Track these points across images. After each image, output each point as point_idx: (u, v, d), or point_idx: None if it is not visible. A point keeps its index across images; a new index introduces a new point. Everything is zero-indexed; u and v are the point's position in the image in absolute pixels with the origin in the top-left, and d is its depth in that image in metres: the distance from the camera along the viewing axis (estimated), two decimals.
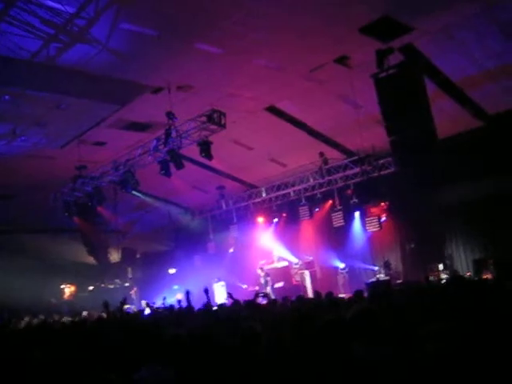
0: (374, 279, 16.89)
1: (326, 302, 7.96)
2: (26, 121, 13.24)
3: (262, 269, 19.41)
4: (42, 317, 16.62)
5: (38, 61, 10.64)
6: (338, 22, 10.48)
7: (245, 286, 19.89)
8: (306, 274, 19.31)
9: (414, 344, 3.48)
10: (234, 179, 19.95)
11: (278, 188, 19.66)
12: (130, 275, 25.55)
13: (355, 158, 16.92)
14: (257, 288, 15.23)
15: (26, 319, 16.75)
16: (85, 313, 17.21)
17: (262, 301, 9.80)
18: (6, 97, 11.80)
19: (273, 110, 14.77)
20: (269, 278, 18.82)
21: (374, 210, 17.21)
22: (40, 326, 11.51)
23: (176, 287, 21.90)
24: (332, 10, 10.02)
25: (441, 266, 16.03)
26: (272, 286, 18.56)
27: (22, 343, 7.37)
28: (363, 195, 17.20)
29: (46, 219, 20.83)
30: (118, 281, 25.63)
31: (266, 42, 10.95)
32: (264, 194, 20.17)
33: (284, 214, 20.32)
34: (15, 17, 9.18)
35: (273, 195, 19.98)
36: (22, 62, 10.54)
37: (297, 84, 13.17)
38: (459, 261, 16.37)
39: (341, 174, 17.61)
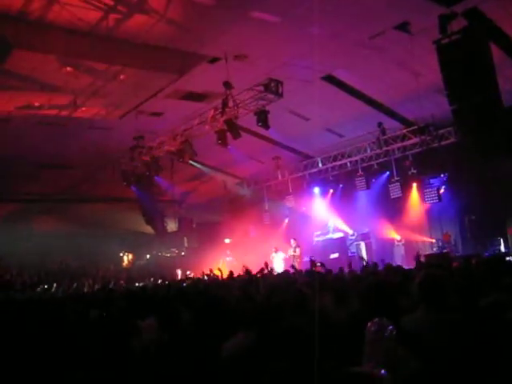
0: (431, 252, 16.61)
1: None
2: (86, 92, 13.48)
3: (295, 239, 19.37)
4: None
5: (97, 32, 10.79)
6: None
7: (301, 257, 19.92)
8: (362, 245, 19.14)
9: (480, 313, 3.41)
10: (290, 149, 19.85)
11: (335, 158, 19.47)
12: (186, 244, 25.98)
13: (414, 127, 16.53)
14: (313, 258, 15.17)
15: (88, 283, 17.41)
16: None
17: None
18: (68, 68, 12.04)
19: (330, 79, 14.53)
20: (298, 251, 18.84)
21: (432, 181, 16.82)
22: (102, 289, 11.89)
23: (230, 258, 22.19)
24: None
25: (502, 241, 15.58)
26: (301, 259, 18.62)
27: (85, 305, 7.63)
28: (422, 166, 16.84)
29: (105, 189, 21.35)
30: (174, 250, 26.14)
31: (323, 8, 10.67)
32: (320, 165, 20.03)
33: (340, 185, 20.15)
34: None
35: (329, 166, 19.82)
36: (81, 33, 10.71)
37: (354, 52, 12.89)
38: None
39: (399, 145, 17.27)
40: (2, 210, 21.81)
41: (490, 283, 4.61)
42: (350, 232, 19.91)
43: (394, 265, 11.13)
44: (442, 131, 15.95)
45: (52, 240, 21.43)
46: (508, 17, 11.69)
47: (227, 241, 23.90)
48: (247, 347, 3.68)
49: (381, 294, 3.64)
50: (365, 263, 11.89)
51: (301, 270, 9.22)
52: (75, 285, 17.75)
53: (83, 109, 14.42)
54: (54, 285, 16.68)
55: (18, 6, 9.56)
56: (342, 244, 19.81)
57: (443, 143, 16.07)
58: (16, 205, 22.01)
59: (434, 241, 17.54)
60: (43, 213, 22.61)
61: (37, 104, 13.84)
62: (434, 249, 17.04)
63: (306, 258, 18.35)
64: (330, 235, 20.40)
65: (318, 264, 10.22)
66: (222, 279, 12.73)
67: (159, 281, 17.86)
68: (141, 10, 10.14)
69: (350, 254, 19.25)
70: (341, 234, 20.11)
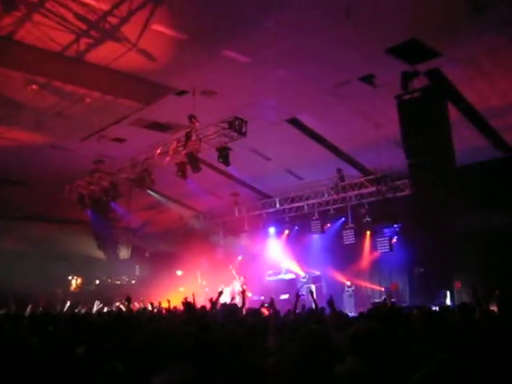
0: (379, 300, 16.82)
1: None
2: (50, 112, 13.39)
3: (244, 277, 19.42)
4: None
5: (67, 54, 10.80)
6: (367, 40, 10.51)
7: (249, 295, 19.86)
8: (312, 288, 19.21)
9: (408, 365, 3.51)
10: (249, 187, 20.00)
11: (292, 200, 19.70)
12: (137, 273, 25.63)
13: (372, 177, 16.93)
14: (262, 298, 15.17)
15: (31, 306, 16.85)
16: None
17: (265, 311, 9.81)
18: (33, 86, 11.97)
19: (294, 122, 14.82)
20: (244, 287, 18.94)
21: (385, 230, 17.16)
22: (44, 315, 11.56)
23: (182, 289, 21.95)
24: (362, 28, 10.07)
25: (448, 294, 15.91)
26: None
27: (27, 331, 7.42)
28: (376, 215, 17.22)
29: (59, 209, 20.98)
30: (125, 277, 25.72)
31: (293, 53, 11.00)
32: (277, 205, 20.22)
33: (296, 227, 20.35)
34: (50, 9, 9.33)
35: (286, 207, 20.03)
36: (51, 53, 10.70)
37: (319, 98, 13.21)
38: (467, 290, 16.20)
39: (356, 192, 17.64)
40: None
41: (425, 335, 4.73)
42: (302, 274, 20.02)
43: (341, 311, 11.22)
44: (398, 182, 16.40)
45: None
46: (467, 79, 12.24)
47: (179, 273, 23.69)
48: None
49: (321, 341, 3.70)
50: (314, 305, 11.93)
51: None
52: (13, 307, 17.19)
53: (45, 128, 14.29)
54: None
55: None
56: (292, 285, 19.87)
57: (398, 194, 16.52)
58: None
59: (382, 289, 17.79)
60: None
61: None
62: (383, 297, 17.27)
63: (255, 297, 18.36)
64: (282, 276, 20.47)
65: (266, 305, 10.22)
66: (168, 311, 12.56)
67: (105, 308, 17.49)
68: (113, 37, 10.20)
69: (301, 297, 19.25)
70: (292, 276, 20.20)
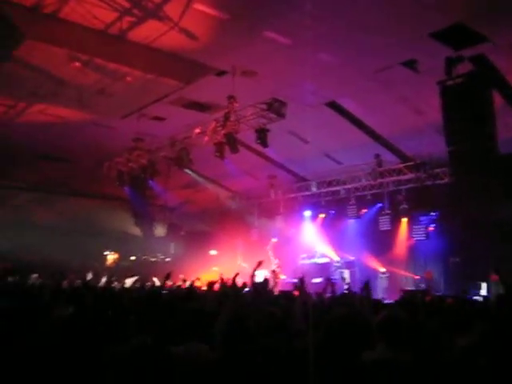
0: (412, 288, 16.69)
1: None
2: (92, 89, 13.58)
3: (278, 259, 19.44)
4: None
5: (110, 32, 10.91)
6: (410, 24, 10.32)
7: (283, 277, 19.96)
8: (346, 273, 19.21)
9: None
10: (286, 170, 19.96)
11: (329, 184, 19.60)
12: (172, 251, 25.95)
13: (411, 163, 16.70)
14: (295, 280, 15.19)
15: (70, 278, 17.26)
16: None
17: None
18: (77, 63, 12.14)
19: (333, 106, 14.69)
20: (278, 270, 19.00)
21: (422, 218, 16.95)
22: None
23: (215, 269, 22.16)
24: (405, 11, 9.89)
25: (484, 286, 15.65)
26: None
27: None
28: (414, 202, 17.00)
29: (98, 185, 21.37)
30: (159, 255, 26.09)
31: (333, 36, 10.90)
32: (314, 189, 20.15)
33: (331, 211, 20.26)
34: None
35: (323, 190, 19.96)
36: (94, 31, 10.83)
37: (360, 83, 13.05)
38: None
39: (393, 178, 17.44)
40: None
41: (459, 325, 4.68)
42: (336, 259, 19.98)
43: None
44: (437, 170, 16.13)
45: (37, 231, 21.34)
46: None
47: (213, 252, 23.91)
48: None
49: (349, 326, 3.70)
50: (346, 288, 11.96)
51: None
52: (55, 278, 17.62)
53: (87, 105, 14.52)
54: (33, 275, 16.54)
55: None
56: (326, 269, 19.85)
57: (437, 182, 16.25)
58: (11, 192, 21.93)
59: (416, 277, 17.62)
60: (33, 203, 22.56)
61: (41, 94, 13.92)
62: (419, 285, 17.10)
63: (289, 279, 18.42)
64: (316, 259, 20.47)
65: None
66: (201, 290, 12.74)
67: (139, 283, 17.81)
68: (156, 15, 10.27)
69: (333, 280, 19.24)
70: (326, 260, 20.18)
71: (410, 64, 11.97)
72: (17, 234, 20.81)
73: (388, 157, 17.20)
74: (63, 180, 21.04)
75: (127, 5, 9.99)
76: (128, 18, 10.43)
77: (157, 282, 16.22)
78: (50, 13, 10.10)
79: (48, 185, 21.49)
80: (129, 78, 12.97)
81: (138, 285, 14.87)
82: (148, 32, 10.85)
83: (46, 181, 21.07)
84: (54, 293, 9.43)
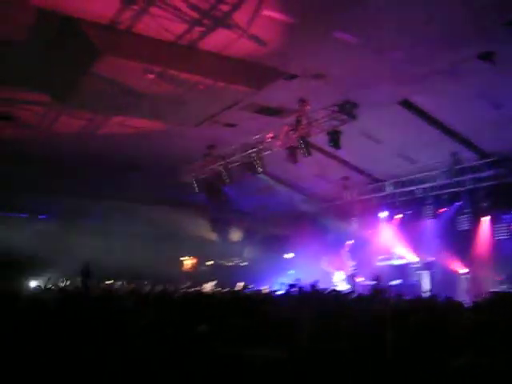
0: (497, 289, 16.07)
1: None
2: (166, 99, 13.93)
3: (354, 261, 19.19)
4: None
5: (181, 43, 11.18)
6: (486, 15, 9.97)
7: (361, 279, 19.74)
8: (425, 274, 18.76)
9: None
10: (360, 171, 19.74)
11: (404, 184, 19.23)
12: (248, 255, 26.20)
13: (490, 159, 16.13)
14: (374, 283, 15.06)
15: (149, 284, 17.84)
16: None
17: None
18: (150, 75, 12.49)
19: (406, 104, 14.40)
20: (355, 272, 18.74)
21: (504, 216, 16.33)
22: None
23: (292, 272, 22.20)
24: (479, 2, 9.58)
25: None
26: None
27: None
28: (494, 200, 16.39)
29: (175, 193, 21.86)
30: (235, 259, 26.40)
31: (405, 33, 10.69)
32: (388, 189, 19.81)
33: (407, 212, 19.86)
34: (165, 1, 9.70)
35: (397, 191, 19.60)
36: (166, 43, 11.13)
37: (434, 78, 12.70)
38: None
39: (472, 176, 16.88)
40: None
41: None
42: (415, 260, 19.56)
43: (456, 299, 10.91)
44: None
45: (115, 237, 22.05)
46: None
47: (288, 255, 23.97)
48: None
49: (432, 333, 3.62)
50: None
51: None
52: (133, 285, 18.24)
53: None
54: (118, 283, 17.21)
55: (110, 15, 10.07)
56: (404, 271, 19.49)
57: None
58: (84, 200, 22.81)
59: (501, 278, 16.95)
60: (115, 211, 23.33)
61: (118, 106, 14.42)
62: (502, 286, 16.46)
63: (367, 281, 18.20)
64: (394, 261, 20.12)
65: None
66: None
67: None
68: (225, 24, 10.43)
69: (411, 282, 18.91)
70: (404, 261, 19.80)
71: (487, 56, 11.55)
72: (101, 242, 21.60)
73: (466, 154, 16.67)
74: (141, 189, 21.66)
75: (196, 16, 10.20)
76: (198, 29, 10.64)
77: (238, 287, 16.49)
78: (125, 29, 10.47)
79: (127, 194, 22.19)
80: (201, 87, 13.21)
81: (217, 289, 15.16)
82: (218, 41, 11.03)
83: (124, 190, 21.76)
84: (139, 298, 9.75)
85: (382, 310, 6.02)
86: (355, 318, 4.45)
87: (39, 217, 23.47)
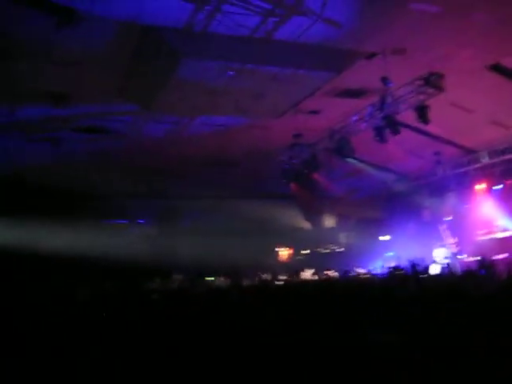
0: None
1: None
2: (247, 93, 14.04)
3: (456, 237, 18.36)
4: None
5: (256, 36, 11.20)
6: None
7: (463, 257, 19.07)
8: None
9: None
10: (452, 144, 18.99)
11: (502, 152, 18.30)
12: (343, 240, 25.98)
13: None
14: (479, 258, 14.50)
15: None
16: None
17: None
18: (230, 72, 12.62)
19: (497, 68, 13.67)
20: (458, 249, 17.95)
21: None
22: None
23: (390, 254, 21.80)
24: None
25: None
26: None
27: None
28: None
29: (265, 185, 22.04)
30: (331, 245, 26.26)
31: None
32: (485, 159, 18.95)
33: (508, 181, 18.92)
34: None
35: (495, 160, 18.68)
36: (241, 38, 11.19)
37: None
38: None
39: None
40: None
41: None
42: None
43: None
44: None
45: (211, 235, 22.49)
46: None
47: (384, 238, 23.56)
48: None
49: None
50: None
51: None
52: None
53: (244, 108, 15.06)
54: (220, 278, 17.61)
55: (185, 18, 10.26)
56: (509, 244, 18.60)
57: None
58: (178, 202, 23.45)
59: None
60: (208, 210, 23.83)
61: (200, 107, 14.71)
62: None
63: (470, 258, 17.56)
64: (497, 234, 19.26)
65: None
66: None
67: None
68: (298, 11, 10.34)
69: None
70: (508, 233, 18.90)
71: None
72: (195, 240, 22.13)
73: None
74: (231, 183, 22.01)
75: (269, 7, 10.18)
76: (272, 19, 10.63)
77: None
78: (200, 30, 10.63)
79: (217, 189, 22.61)
80: (281, 77, 13.20)
81: (315, 276, 15.15)
82: (293, 28, 10.95)
83: (214, 186, 22.18)
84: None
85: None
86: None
87: (138, 221, 24.35)
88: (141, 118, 15.40)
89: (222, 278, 17.29)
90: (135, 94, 13.49)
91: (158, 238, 22.42)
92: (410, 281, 8.82)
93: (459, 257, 18.57)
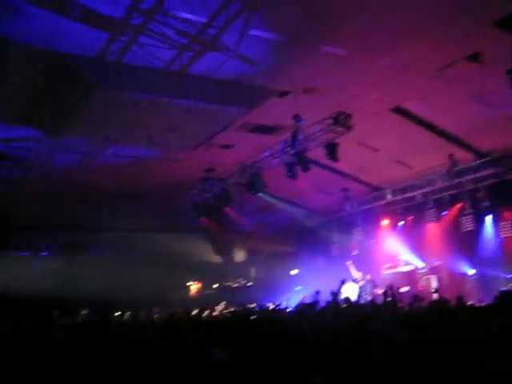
0: (507, 288, 15.98)
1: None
2: (160, 126, 13.97)
3: (363, 272, 18.87)
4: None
5: (171, 69, 11.25)
6: (470, 15, 10.03)
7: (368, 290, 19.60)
8: (433, 279, 18.70)
9: None
10: (359, 181, 19.75)
11: (404, 190, 19.22)
12: (253, 275, 26.10)
13: (487, 158, 16.17)
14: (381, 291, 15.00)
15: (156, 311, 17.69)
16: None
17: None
18: (143, 104, 12.53)
19: (399, 111, 14.46)
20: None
21: (507, 214, 16.32)
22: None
23: (298, 288, 22.08)
24: (462, 3, 9.66)
25: None
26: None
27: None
28: (496, 198, 16.40)
29: (177, 219, 21.84)
30: (241, 280, 26.28)
31: (391, 42, 10.77)
32: (389, 196, 19.81)
33: (410, 217, 19.84)
34: (153, 29, 9.78)
35: (398, 197, 19.58)
36: (156, 71, 11.21)
37: (424, 84, 12.77)
38: None
39: (471, 176, 16.89)
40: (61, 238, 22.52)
41: None
42: (421, 265, 19.49)
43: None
44: None
45: (120, 268, 21.92)
46: None
47: (294, 272, 23.88)
48: None
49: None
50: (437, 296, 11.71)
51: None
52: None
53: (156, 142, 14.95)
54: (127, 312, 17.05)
55: (99, 47, 10.15)
56: (412, 277, 19.41)
57: None
58: (85, 233, 22.75)
59: (510, 276, 16.88)
60: (111, 241, 23.23)
61: (113, 138, 14.46)
62: (510, 285, 16.39)
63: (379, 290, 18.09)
64: (400, 268, 20.05)
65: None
66: None
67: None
68: (213, 47, 10.51)
69: (419, 288, 18.84)
70: (410, 267, 19.73)
71: (474, 57, 11.64)
72: (103, 274, 21.43)
73: (462, 155, 16.71)
74: (141, 217, 21.65)
75: (185, 41, 10.28)
76: (187, 53, 10.73)
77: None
78: (116, 60, 10.55)
79: (126, 223, 22.17)
80: (194, 111, 13.25)
81: (227, 311, 15.07)
82: (208, 64, 11.08)
83: (123, 219, 21.73)
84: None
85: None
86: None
87: (42, 253, 23.33)
88: (49, 146, 14.89)
89: (128, 313, 16.76)
90: (44, 121, 13.07)
91: (63, 271, 21.53)
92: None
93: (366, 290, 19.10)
